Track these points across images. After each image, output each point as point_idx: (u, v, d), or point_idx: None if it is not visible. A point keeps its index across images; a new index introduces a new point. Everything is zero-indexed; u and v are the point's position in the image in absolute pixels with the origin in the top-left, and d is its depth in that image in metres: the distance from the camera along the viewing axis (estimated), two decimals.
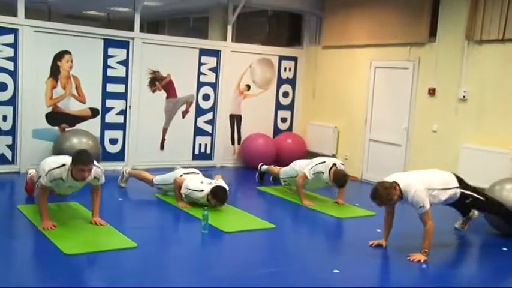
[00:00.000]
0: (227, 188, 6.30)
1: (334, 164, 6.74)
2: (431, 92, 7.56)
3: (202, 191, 6.11)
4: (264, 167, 7.89)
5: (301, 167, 6.94)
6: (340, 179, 6.62)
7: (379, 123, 8.45)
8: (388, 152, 8.26)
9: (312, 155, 9.43)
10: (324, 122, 9.33)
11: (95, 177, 5.15)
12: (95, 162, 5.15)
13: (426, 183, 4.99)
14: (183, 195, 6.24)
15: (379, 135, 8.44)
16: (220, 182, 6.41)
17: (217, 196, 6.08)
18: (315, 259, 4.98)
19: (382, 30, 8.28)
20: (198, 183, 6.22)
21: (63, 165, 5.03)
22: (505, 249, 5.40)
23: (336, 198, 6.93)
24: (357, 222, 6.23)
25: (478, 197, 5.29)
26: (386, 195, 4.87)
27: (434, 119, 7.55)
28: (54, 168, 5.01)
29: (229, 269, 4.59)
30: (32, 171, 6.10)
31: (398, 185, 4.92)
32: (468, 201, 5.27)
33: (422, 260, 4.79)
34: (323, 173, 6.69)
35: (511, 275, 4.88)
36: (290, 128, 9.80)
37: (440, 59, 7.46)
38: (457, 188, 5.13)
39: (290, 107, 9.78)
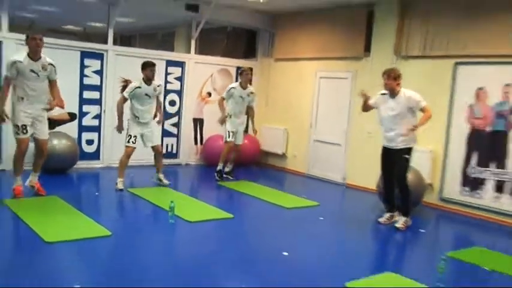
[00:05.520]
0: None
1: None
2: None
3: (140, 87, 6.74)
4: (219, 165, 7.78)
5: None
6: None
7: (323, 125, 8.67)
8: (330, 150, 8.48)
9: (265, 153, 9.63)
10: (276, 125, 9.50)
11: (49, 64, 5.64)
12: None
13: None
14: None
15: (323, 136, 8.65)
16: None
17: (146, 63, 6.74)
18: (268, 243, 5.11)
19: (326, 45, 8.51)
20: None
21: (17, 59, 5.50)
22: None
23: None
24: (303, 211, 6.39)
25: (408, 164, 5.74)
26: (397, 71, 5.64)
27: (368, 123, 7.79)
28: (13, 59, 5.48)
29: (193, 253, 4.68)
30: None
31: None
32: (406, 156, 5.69)
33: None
34: (234, 88, 7.15)
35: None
36: (246, 130, 9.85)
37: (374, 71, 7.67)
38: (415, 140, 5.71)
39: (247, 112, 9.84)
